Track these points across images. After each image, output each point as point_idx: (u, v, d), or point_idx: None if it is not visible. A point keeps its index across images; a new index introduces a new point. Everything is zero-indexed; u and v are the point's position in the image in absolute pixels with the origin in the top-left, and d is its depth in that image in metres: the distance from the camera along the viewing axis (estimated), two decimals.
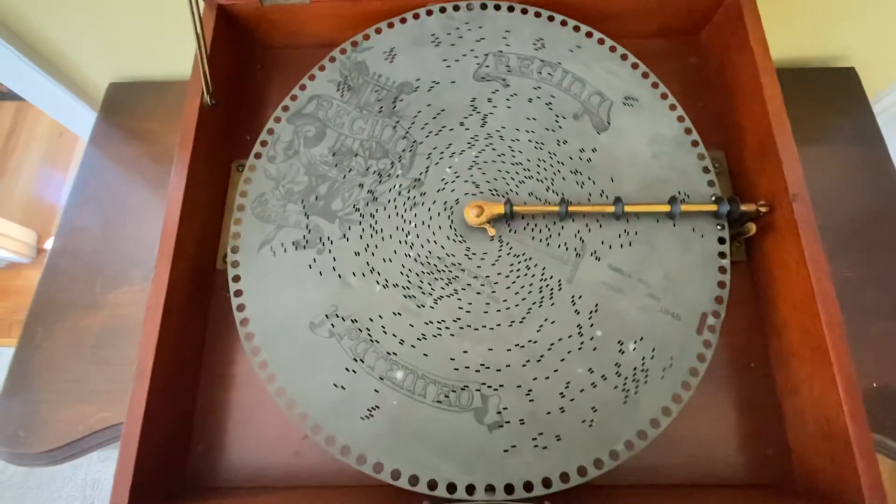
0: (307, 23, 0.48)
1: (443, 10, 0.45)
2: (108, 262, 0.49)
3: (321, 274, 0.39)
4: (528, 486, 0.33)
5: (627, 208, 0.38)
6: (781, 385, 0.39)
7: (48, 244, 1.14)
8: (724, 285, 0.38)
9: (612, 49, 0.44)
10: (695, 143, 0.42)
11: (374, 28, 0.45)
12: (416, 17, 0.46)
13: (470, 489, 0.33)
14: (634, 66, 0.44)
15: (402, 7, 0.46)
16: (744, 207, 0.39)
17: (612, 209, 0.38)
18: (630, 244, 0.39)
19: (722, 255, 0.39)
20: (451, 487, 0.33)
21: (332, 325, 0.37)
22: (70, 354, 0.45)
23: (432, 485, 0.33)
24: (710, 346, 0.36)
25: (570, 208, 0.39)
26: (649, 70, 0.43)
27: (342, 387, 0.36)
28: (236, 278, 0.38)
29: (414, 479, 0.33)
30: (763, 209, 0.39)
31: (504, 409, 0.35)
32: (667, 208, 0.38)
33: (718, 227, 0.39)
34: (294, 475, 0.38)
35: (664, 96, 0.43)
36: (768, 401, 0.39)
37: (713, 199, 0.40)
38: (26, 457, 0.43)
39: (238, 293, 0.38)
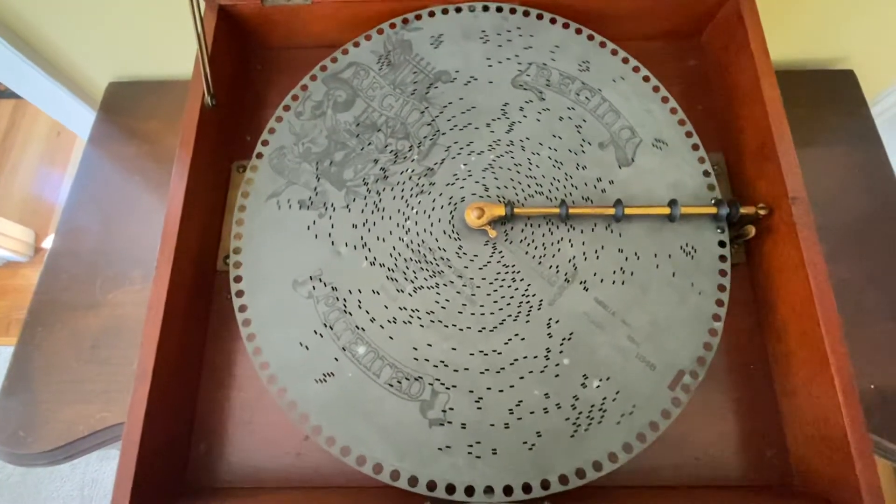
0: (308, 23, 0.48)
1: (499, 9, 0.45)
2: (108, 262, 0.49)
3: (316, 237, 0.40)
4: (449, 489, 0.33)
5: (627, 211, 0.39)
6: (780, 386, 0.39)
7: (46, 243, 1.14)
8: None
9: (656, 89, 0.43)
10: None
11: (428, 11, 0.45)
12: (471, 9, 0.45)
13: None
14: (673, 110, 0.43)
15: (406, 8, 0.46)
16: (743, 210, 0.39)
17: (612, 211, 0.39)
18: (623, 283, 0.38)
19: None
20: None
21: (314, 288, 0.38)
22: (70, 354, 0.45)
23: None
24: (680, 404, 0.35)
25: (571, 210, 0.39)
26: (686, 118, 0.42)
27: (306, 347, 0.37)
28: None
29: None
30: (762, 212, 0.39)
31: (450, 408, 0.35)
32: (667, 211, 0.39)
33: (718, 231, 0.40)
34: (295, 476, 0.38)
35: (695, 147, 0.42)
36: (767, 402, 0.39)
37: (713, 202, 0.40)
38: (26, 457, 0.43)
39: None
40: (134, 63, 0.57)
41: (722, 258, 0.39)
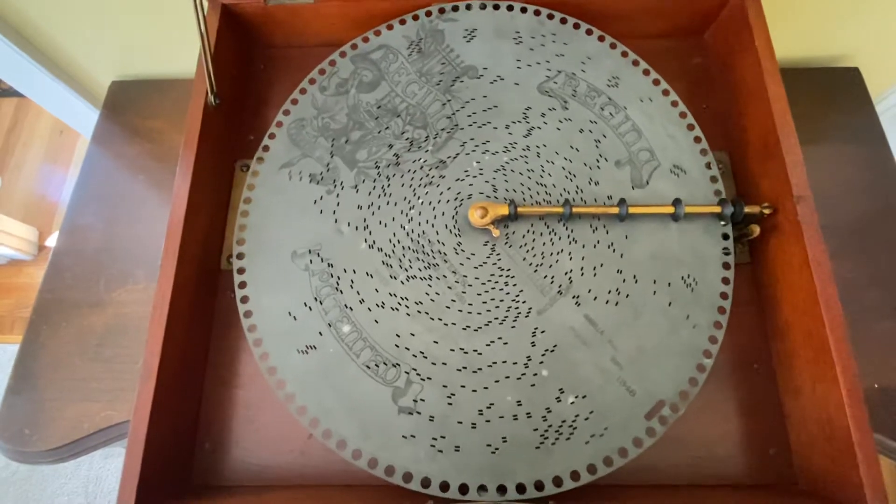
0: (311, 22, 0.48)
1: (537, 12, 0.45)
2: (112, 261, 0.49)
3: (321, 212, 0.40)
4: (406, 477, 0.33)
5: (632, 210, 0.38)
6: (784, 386, 0.39)
7: (50, 241, 1.14)
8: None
9: (683, 115, 0.42)
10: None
11: (466, 3, 0.45)
12: (510, 8, 0.45)
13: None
14: (697, 139, 0.42)
15: (409, 7, 0.46)
16: (747, 209, 0.39)
17: (616, 210, 0.38)
18: (616, 304, 0.38)
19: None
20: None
21: (311, 261, 0.39)
22: (74, 353, 0.46)
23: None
24: (654, 434, 0.34)
25: (575, 209, 0.39)
26: (708, 148, 0.41)
27: (294, 317, 0.38)
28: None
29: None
30: (767, 211, 0.39)
31: (421, 399, 0.35)
32: (671, 210, 0.39)
33: (722, 224, 0.39)
34: (299, 474, 0.38)
35: (713, 179, 0.41)
36: (771, 401, 0.39)
37: (717, 200, 0.40)
38: (31, 454, 0.43)
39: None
40: (137, 62, 0.57)
41: (723, 295, 0.38)
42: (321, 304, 0.38)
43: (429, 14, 0.45)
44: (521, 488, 0.33)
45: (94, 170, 0.54)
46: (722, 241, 0.39)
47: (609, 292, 0.38)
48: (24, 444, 0.43)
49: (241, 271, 0.39)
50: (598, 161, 0.41)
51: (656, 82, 0.43)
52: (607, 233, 0.39)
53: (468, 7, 0.45)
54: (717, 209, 0.39)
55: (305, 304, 0.38)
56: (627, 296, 0.38)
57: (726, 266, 0.39)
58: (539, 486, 0.33)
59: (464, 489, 0.33)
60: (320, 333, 0.37)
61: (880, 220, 0.48)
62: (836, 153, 0.51)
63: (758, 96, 0.41)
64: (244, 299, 0.38)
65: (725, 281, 0.38)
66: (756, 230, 0.40)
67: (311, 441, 0.39)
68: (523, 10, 0.45)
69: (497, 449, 0.34)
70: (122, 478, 0.32)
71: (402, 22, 0.45)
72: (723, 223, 0.40)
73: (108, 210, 0.52)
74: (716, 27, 0.48)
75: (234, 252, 0.39)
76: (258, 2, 0.45)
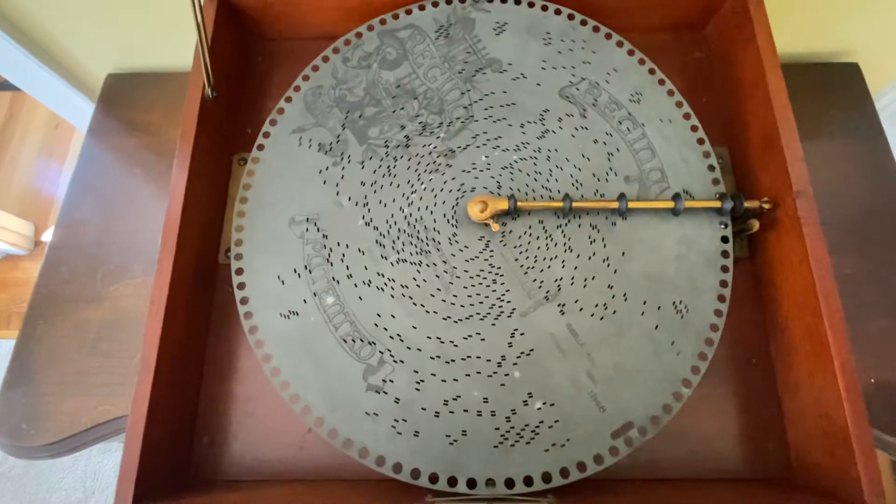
0: (309, 14, 0.47)
1: (571, 16, 0.45)
2: (109, 255, 0.49)
3: (325, 183, 0.41)
4: (363, 453, 0.33)
5: (631, 204, 0.38)
6: (782, 381, 0.39)
7: (46, 236, 1.13)
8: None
9: (700, 141, 0.41)
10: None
11: None
12: (544, 8, 0.45)
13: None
14: (711, 167, 0.41)
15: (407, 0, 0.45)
16: (747, 204, 0.39)
17: (616, 205, 0.38)
18: (602, 318, 0.37)
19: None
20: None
21: (306, 230, 0.40)
22: (71, 347, 0.45)
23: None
24: (617, 454, 0.34)
25: (575, 204, 0.38)
26: (720, 178, 0.41)
27: (283, 281, 0.38)
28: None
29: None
30: (766, 206, 0.39)
31: (391, 380, 0.36)
32: (671, 205, 0.38)
33: (722, 226, 0.39)
34: (298, 468, 0.38)
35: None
36: (769, 396, 0.39)
37: (717, 195, 0.39)
38: (29, 449, 0.43)
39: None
40: (133, 55, 0.57)
41: (713, 327, 0.37)
42: (310, 272, 0.39)
43: (463, 1, 0.45)
44: (471, 483, 0.33)
45: (90, 164, 0.53)
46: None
47: (596, 306, 0.38)
48: (21, 438, 0.42)
49: (238, 228, 0.40)
50: (607, 174, 0.41)
51: (679, 104, 0.42)
52: (605, 246, 0.39)
53: (503, 0, 0.45)
54: (717, 204, 0.39)
55: (295, 271, 0.39)
56: (614, 312, 0.37)
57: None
58: (490, 483, 0.33)
59: (415, 474, 0.33)
60: (304, 301, 0.38)
61: (879, 216, 0.48)
62: (835, 149, 0.51)
63: (758, 91, 0.41)
64: (238, 256, 0.39)
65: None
66: (755, 225, 0.40)
67: (310, 435, 0.39)
68: (557, 11, 0.45)
69: (455, 441, 0.34)
70: (120, 472, 0.32)
71: (435, 4, 0.45)
72: (723, 226, 0.39)
73: (104, 204, 0.51)
74: (717, 21, 0.48)
75: (237, 210, 0.40)
76: None
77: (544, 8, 0.45)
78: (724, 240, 0.38)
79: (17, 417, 0.43)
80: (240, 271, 0.39)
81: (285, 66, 0.50)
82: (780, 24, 0.43)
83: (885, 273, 0.46)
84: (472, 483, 0.33)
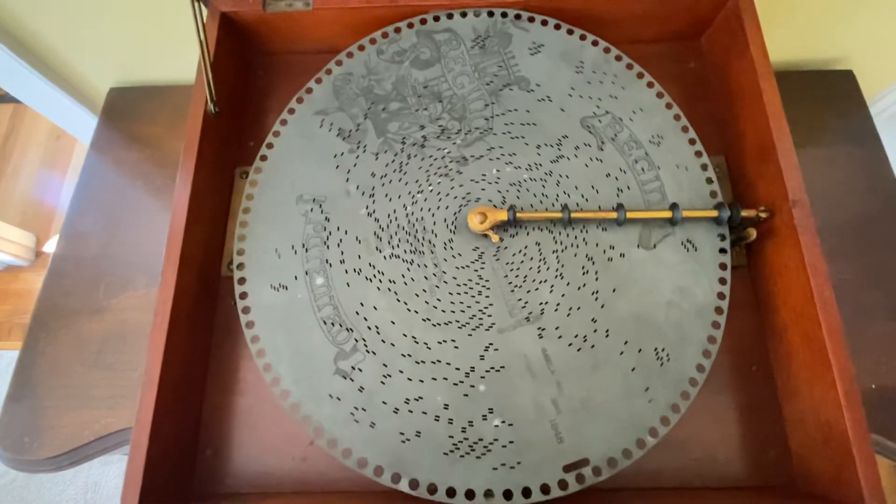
0: (309, 29, 0.48)
1: (607, 50, 0.45)
2: (112, 267, 0.49)
3: (337, 168, 0.42)
4: (317, 432, 0.33)
5: (629, 214, 0.39)
6: (782, 388, 0.39)
7: (47, 247, 1.14)
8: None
9: (713, 194, 0.41)
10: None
11: (542, 19, 0.46)
12: (582, 37, 0.45)
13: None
14: (718, 222, 0.40)
15: (407, 13, 0.46)
16: (744, 213, 0.39)
17: (614, 215, 0.39)
18: (579, 350, 0.37)
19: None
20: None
21: (311, 210, 0.41)
22: (74, 360, 0.46)
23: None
24: (566, 488, 0.33)
25: (573, 214, 0.39)
26: (727, 234, 0.40)
27: (279, 255, 0.40)
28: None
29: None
30: (763, 214, 0.39)
31: (359, 369, 0.36)
32: (668, 214, 0.39)
33: (720, 238, 0.39)
34: (301, 480, 0.38)
35: (723, 266, 0.39)
36: (769, 404, 0.40)
37: (714, 205, 0.40)
38: (31, 463, 0.43)
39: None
40: (135, 68, 0.57)
41: (693, 381, 0.36)
42: (307, 251, 0.40)
43: (504, 15, 0.46)
44: (413, 484, 0.33)
45: (94, 176, 0.54)
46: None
47: (576, 336, 0.37)
48: (23, 452, 0.42)
49: (249, 197, 0.41)
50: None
51: (698, 154, 0.42)
52: (597, 279, 0.39)
53: (544, 23, 0.46)
54: (714, 213, 0.39)
55: (292, 247, 0.40)
56: (593, 346, 0.37)
57: (715, 327, 0.37)
58: (431, 489, 0.33)
59: (362, 463, 0.34)
60: (295, 277, 0.39)
61: (876, 221, 0.49)
62: (831, 156, 0.52)
63: (753, 100, 0.41)
64: (243, 223, 0.40)
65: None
66: (753, 234, 0.40)
67: (313, 448, 0.39)
68: (595, 42, 0.45)
69: (408, 440, 0.35)
70: (123, 485, 0.32)
71: (477, 15, 0.46)
72: (721, 236, 0.40)
73: (107, 216, 0.52)
74: (712, 31, 0.49)
75: (250, 179, 0.42)
76: (256, 9, 0.46)
77: (583, 37, 0.45)
78: (722, 281, 0.38)
79: (20, 431, 0.43)
80: (242, 237, 0.40)
81: (285, 80, 0.50)
82: (774, 33, 0.44)
83: (884, 277, 0.46)
84: (413, 484, 0.33)
